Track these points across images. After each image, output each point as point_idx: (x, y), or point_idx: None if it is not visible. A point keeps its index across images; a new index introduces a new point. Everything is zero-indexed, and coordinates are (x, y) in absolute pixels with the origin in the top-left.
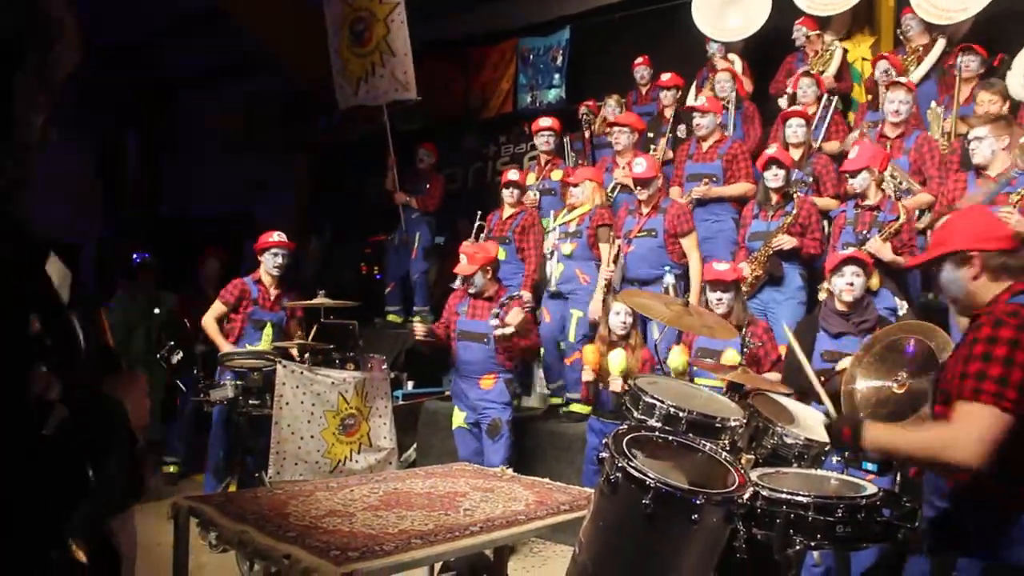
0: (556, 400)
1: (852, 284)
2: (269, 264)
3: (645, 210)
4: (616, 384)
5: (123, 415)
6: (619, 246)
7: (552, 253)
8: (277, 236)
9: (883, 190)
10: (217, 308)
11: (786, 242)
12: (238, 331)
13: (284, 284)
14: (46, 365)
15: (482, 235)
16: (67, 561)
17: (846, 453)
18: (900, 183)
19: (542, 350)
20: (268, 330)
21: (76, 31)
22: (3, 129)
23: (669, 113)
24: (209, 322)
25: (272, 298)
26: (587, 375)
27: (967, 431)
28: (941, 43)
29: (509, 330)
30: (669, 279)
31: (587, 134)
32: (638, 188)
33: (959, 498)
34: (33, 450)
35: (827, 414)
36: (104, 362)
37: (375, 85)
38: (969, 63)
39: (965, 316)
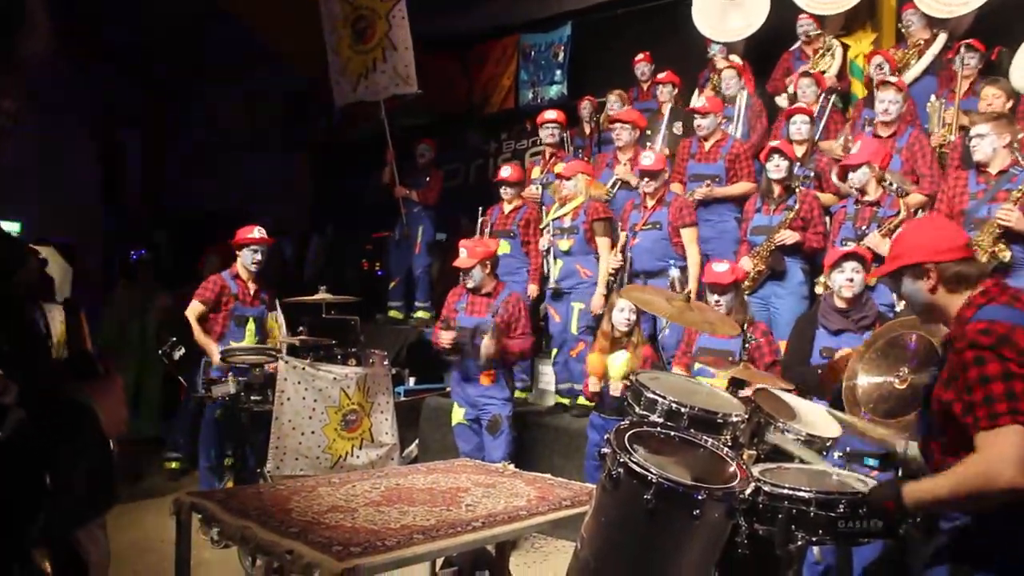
0: (563, 400)
1: (852, 280)
2: (247, 260)
3: (650, 203)
4: (616, 388)
5: (93, 420)
6: (625, 239)
7: (548, 250)
8: (257, 232)
9: (883, 186)
10: (196, 307)
11: (788, 237)
12: (221, 328)
13: (262, 279)
14: (1, 367)
15: (486, 231)
16: (31, 573)
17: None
18: (891, 185)
19: (554, 351)
20: (251, 325)
21: (44, 17)
22: None
23: (665, 110)
24: (191, 323)
25: (252, 293)
26: (593, 386)
27: (1002, 456)
28: (942, 38)
29: (483, 361)
30: (674, 272)
31: (588, 129)
32: (645, 180)
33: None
34: None
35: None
36: (82, 366)
37: (375, 81)
38: (969, 59)
39: (931, 324)
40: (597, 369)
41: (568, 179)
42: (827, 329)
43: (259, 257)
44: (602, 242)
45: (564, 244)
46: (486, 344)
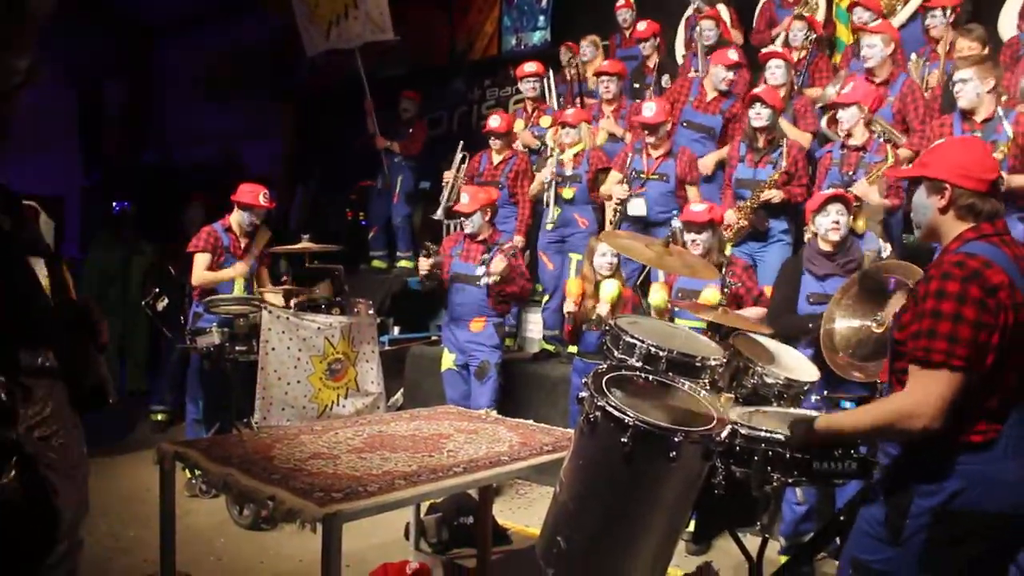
0: (549, 347)
1: (838, 223)
2: (244, 219)
3: (655, 153)
4: (603, 309)
5: (97, 315)
6: (628, 186)
7: (549, 184)
8: (263, 198)
9: (871, 131)
10: (202, 260)
11: (775, 196)
12: None
13: (251, 235)
14: None
15: (463, 166)
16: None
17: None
18: (883, 135)
19: (546, 297)
20: (240, 279)
21: None
22: None
23: (652, 63)
24: (203, 275)
25: (243, 247)
26: (569, 306)
27: (923, 398)
28: None
29: (494, 278)
30: (676, 224)
31: (569, 75)
32: (645, 132)
33: (906, 444)
34: None
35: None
36: (69, 315)
37: (348, 28)
38: (932, 19)
39: (925, 242)
40: (575, 292)
41: (573, 126)
42: (813, 274)
43: (256, 221)
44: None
45: (567, 192)
46: (497, 260)
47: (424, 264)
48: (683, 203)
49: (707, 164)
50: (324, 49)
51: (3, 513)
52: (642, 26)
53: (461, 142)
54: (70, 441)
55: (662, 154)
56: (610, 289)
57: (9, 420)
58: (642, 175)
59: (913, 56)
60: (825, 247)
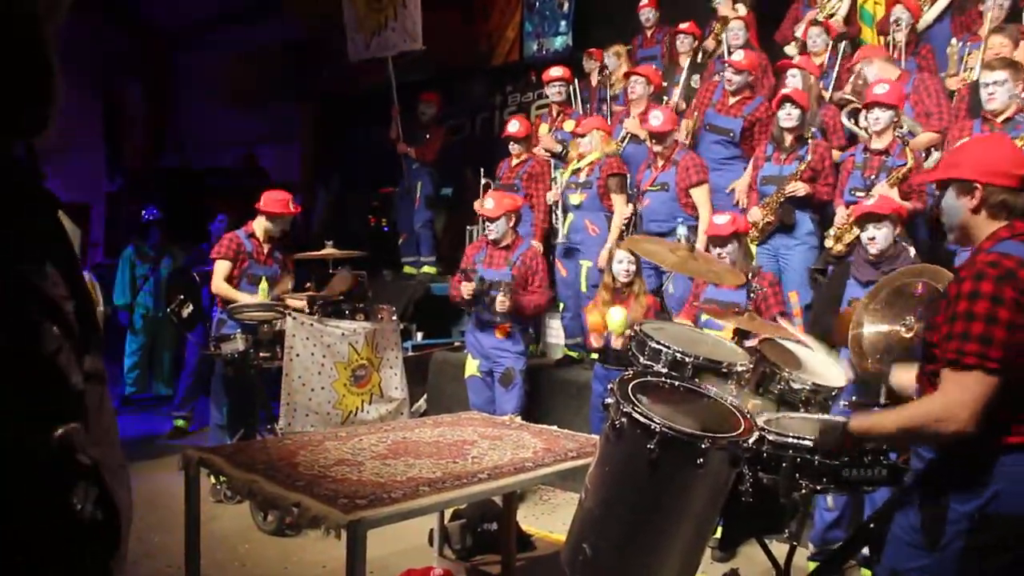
0: (572, 353)
1: (874, 238)
2: (272, 227)
3: (661, 163)
4: (618, 343)
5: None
6: (635, 198)
7: (556, 203)
8: (290, 205)
9: (896, 136)
10: (222, 268)
11: (800, 189)
12: (234, 287)
13: (275, 239)
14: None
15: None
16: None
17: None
18: (902, 128)
19: (561, 305)
20: (263, 284)
21: None
22: (49, 88)
23: (684, 61)
24: (220, 286)
25: (266, 252)
26: (594, 341)
27: (955, 401)
28: None
29: (497, 318)
30: (682, 231)
31: (594, 83)
32: (653, 141)
33: (941, 448)
34: None
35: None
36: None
37: (387, 38)
38: (1003, 2)
39: (958, 245)
40: (597, 326)
41: (583, 136)
42: (858, 280)
43: (283, 227)
44: (617, 199)
45: (575, 199)
46: (499, 300)
47: (467, 289)
48: (689, 210)
49: (741, 190)
50: (364, 57)
51: (77, 519)
52: (685, 24)
53: (482, 169)
54: (116, 445)
55: (664, 164)
56: (616, 319)
57: (87, 427)
58: (643, 187)
59: (953, 40)
60: (870, 257)
